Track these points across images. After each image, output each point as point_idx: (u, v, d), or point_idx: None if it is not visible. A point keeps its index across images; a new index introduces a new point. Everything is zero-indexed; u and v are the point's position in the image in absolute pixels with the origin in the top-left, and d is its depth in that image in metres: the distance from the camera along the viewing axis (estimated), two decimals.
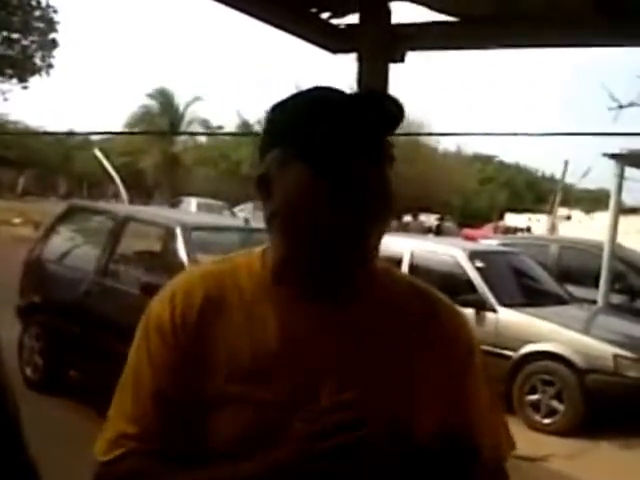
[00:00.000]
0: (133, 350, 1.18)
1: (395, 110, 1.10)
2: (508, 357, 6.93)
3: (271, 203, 1.12)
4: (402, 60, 3.84)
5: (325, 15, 3.95)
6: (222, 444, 1.09)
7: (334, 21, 3.98)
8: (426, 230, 24.24)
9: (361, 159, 1.07)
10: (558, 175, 32.02)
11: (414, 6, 3.72)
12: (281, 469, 1.02)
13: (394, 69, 3.79)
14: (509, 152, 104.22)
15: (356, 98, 1.10)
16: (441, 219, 28.04)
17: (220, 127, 40.39)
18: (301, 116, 1.09)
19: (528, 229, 29.32)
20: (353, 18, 3.87)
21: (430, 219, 29.38)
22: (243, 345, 1.11)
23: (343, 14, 3.92)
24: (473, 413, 1.19)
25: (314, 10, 3.91)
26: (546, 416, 6.68)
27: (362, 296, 1.16)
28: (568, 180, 31.79)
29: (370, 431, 0.99)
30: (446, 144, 44.12)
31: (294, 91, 1.15)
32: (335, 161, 1.06)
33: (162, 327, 1.14)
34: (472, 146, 46.56)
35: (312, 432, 1.00)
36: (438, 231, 23.97)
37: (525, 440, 6.15)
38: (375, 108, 1.08)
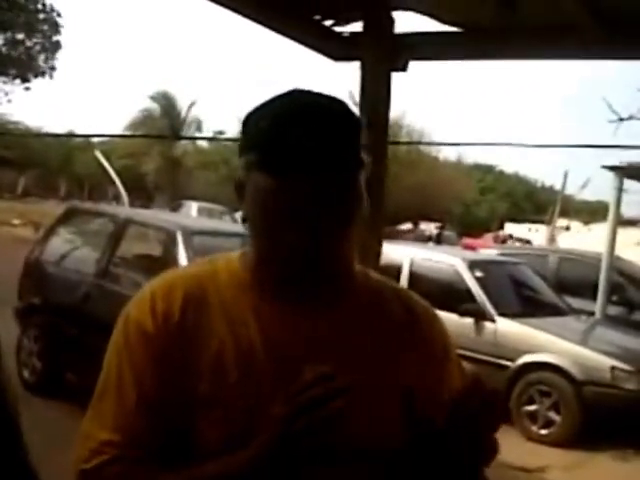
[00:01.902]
0: (111, 356, 1.13)
1: (356, 119, 1.10)
2: (506, 367, 6.93)
3: (244, 208, 1.13)
4: (404, 69, 3.86)
5: (328, 22, 3.96)
6: (211, 446, 1.07)
7: (337, 29, 4.00)
8: (426, 238, 24.25)
9: (322, 169, 1.05)
10: (558, 186, 32.14)
11: (417, 16, 3.74)
12: (265, 455, 1.01)
13: (396, 78, 3.81)
14: (509, 162, 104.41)
15: (320, 107, 1.08)
16: (441, 228, 28.03)
17: (221, 132, 40.43)
18: (264, 125, 1.07)
19: (511, 236, 29.98)
20: (356, 26, 3.89)
21: (430, 227, 29.37)
22: (227, 347, 1.10)
23: (346, 22, 3.93)
24: None
25: (317, 17, 3.93)
26: (543, 427, 6.67)
27: (345, 297, 1.17)
28: (567, 191, 31.87)
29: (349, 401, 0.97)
30: (446, 153, 44.20)
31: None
32: (295, 171, 1.04)
33: (143, 328, 1.10)
34: (472, 155, 46.70)
35: (288, 413, 0.99)
36: (438, 240, 23.97)
37: (522, 451, 6.14)
38: (338, 118, 1.08)
